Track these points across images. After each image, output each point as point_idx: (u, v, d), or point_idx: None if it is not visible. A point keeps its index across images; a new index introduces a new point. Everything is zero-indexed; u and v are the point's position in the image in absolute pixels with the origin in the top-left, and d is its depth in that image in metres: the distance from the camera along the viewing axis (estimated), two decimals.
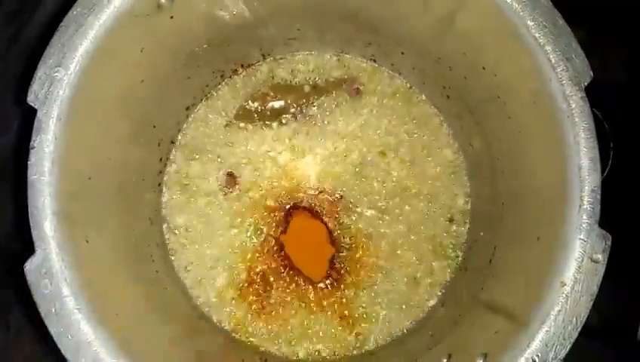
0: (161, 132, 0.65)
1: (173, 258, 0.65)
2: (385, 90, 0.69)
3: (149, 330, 0.53)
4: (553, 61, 0.47)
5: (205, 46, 0.61)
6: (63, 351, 0.44)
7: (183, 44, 0.59)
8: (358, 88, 0.69)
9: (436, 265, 0.65)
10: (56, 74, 0.47)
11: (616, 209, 0.49)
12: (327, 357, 0.64)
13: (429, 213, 0.66)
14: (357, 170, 0.67)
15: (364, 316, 0.64)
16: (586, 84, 0.47)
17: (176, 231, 0.66)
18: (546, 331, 0.45)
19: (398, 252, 0.66)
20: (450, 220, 0.67)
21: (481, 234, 0.65)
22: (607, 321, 0.54)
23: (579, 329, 0.44)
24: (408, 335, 0.64)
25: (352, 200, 0.67)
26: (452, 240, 0.66)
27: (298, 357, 0.64)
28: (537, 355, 0.44)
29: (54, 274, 0.45)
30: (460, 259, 0.66)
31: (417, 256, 0.66)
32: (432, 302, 0.65)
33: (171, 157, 0.67)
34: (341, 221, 0.66)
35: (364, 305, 0.65)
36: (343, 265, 0.65)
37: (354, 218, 0.66)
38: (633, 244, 0.50)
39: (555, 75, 0.47)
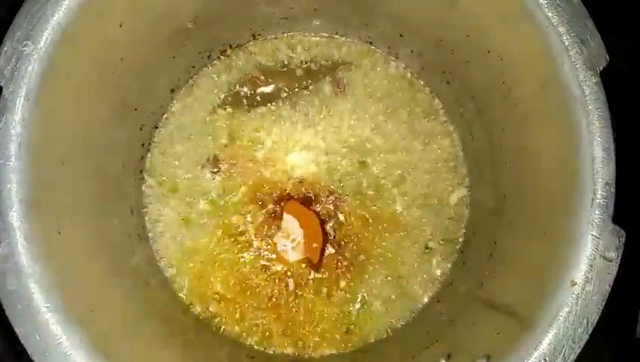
0: (144, 115, 0.62)
1: (155, 250, 0.62)
2: (381, 74, 0.67)
3: (129, 328, 0.50)
4: (567, 43, 0.44)
5: (191, 24, 0.58)
6: (30, 354, 0.41)
7: (166, 20, 0.56)
8: (341, 85, 0.65)
9: (431, 259, 0.64)
10: (24, 48, 0.44)
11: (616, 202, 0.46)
12: (319, 354, 0.62)
13: (425, 204, 0.64)
14: (350, 158, 0.65)
15: (357, 311, 0.62)
16: (601, 68, 0.44)
17: (159, 222, 0.63)
18: (555, 333, 0.42)
19: (393, 245, 0.64)
20: (447, 212, 0.64)
21: (480, 227, 0.62)
22: (606, 317, 0.52)
23: (589, 332, 0.42)
24: (403, 332, 0.62)
25: (345, 191, 0.64)
26: (448, 233, 0.64)
27: (287, 353, 0.62)
28: (545, 359, 0.42)
29: (21, 269, 0.42)
30: (456, 253, 0.64)
31: (412, 249, 0.64)
32: (426, 298, 0.63)
33: (154, 143, 0.64)
34: (333, 212, 0.64)
35: (356, 299, 0.63)
36: (335, 258, 0.63)
37: (346, 209, 0.64)
38: (632, 240, 0.48)
39: (569, 58, 0.44)
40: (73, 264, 0.46)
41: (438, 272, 0.63)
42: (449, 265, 0.63)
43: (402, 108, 0.65)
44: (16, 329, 0.41)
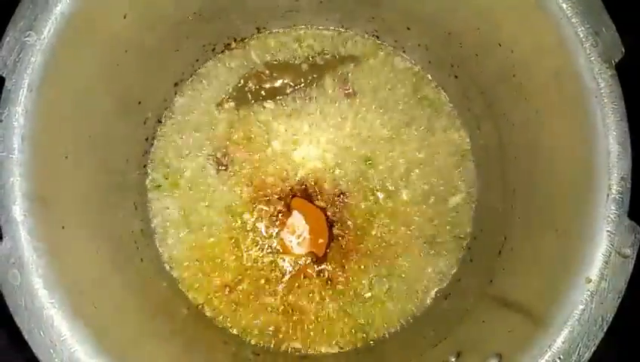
0: (147, 109, 0.61)
1: (159, 245, 0.62)
2: (387, 68, 0.66)
3: (133, 325, 0.49)
4: (581, 35, 0.43)
5: (194, 16, 0.57)
6: (34, 350, 0.40)
7: (170, 12, 0.55)
8: (348, 87, 0.64)
9: (438, 255, 0.63)
10: (27, 39, 0.42)
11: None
12: (324, 351, 0.61)
13: (431, 199, 0.64)
14: (356, 154, 0.64)
15: (363, 308, 0.62)
16: (616, 60, 0.43)
17: (163, 217, 0.62)
18: (569, 331, 0.41)
19: (399, 241, 0.63)
20: (454, 208, 0.64)
21: (488, 223, 0.62)
22: (621, 315, 0.51)
23: (605, 330, 0.41)
24: (410, 330, 0.62)
25: (350, 187, 0.63)
26: (455, 229, 0.63)
27: (292, 350, 0.61)
28: (559, 358, 0.41)
29: (24, 264, 0.41)
30: (463, 249, 0.63)
31: (418, 245, 0.63)
32: (433, 295, 0.62)
33: (158, 137, 0.63)
34: (339, 208, 0.63)
35: (363, 296, 0.62)
36: (340, 254, 0.62)
37: (352, 205, 0.63)
38: None
39: (583, 50, 0.43)
40: (77, 259, 0.46)
41: (445, 268, 0.62)
42: (456, 262, 0.63)
43: (408, 103, 0.65)
44: (20, 326, 0.40)
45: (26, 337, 0.40)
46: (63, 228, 0.45)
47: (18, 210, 0.41)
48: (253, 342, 0.61)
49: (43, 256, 0.41)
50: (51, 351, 0.41)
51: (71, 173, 0.47)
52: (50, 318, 0.41)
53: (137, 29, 0.52)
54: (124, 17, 0.49)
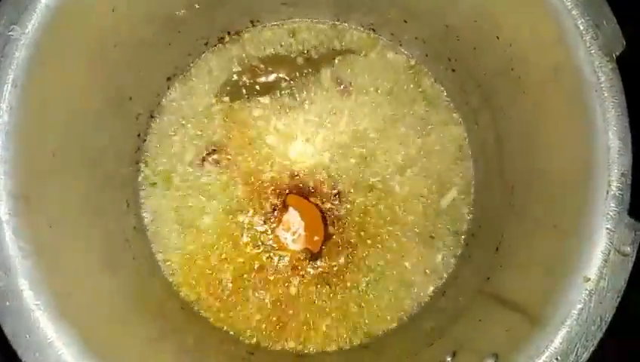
0: (139, 104, 0.60)
1: (152, 244, 0.61)
2: (383, 62, 0.65)
3: (124, 327, 0.49)
4: (582, 28, 0.43)
5: (186, 9, 0.56)
6: (19, 354, 0.40)
7: (160, 4, 0.54)
8: (345, 87, 0.63)
9: (435, 252, 0.62)
10: (11, 32, 0.42)
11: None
12: (319, 350, 0.61)
13: (428, 195, 0.63)
14: (352, 150, 0.63)
15: (359, 306, 0.61)
16: (617, 53, 0.42)
17: (156, 214, 0.61)
18: (567, 331, 0.41)
19: (395, 238, 0.62)
20: (451, 204, 0.63)
21: (486, 220, 0.61)
22: (620, 315, 0.50)
23: (604, 330, 0.40)
24: (406, 328, 0.61)
25: (346, 183, 0.63)
26: (452, 225, 0.63)
27: (287, 349, 0.60)
28: (557, 358, 0.40)
29: (9, 265, 0.40)
30: (461, 246, 0.62)
31: (415, 242, 0.62)
32: (430, 292, 0.62)
33: (150, 133, 0.62)
34: (335, 204, 0.62)
35: (358, 294, 0.61)
36: (336, 251, 0.62)
37: (348, 201, 0.62)
38: None
39: (584, 43, 0.42)
40: (65, 259, 0.45)
41: (442, 265, 0.62)
42: (453, 259, 0.62)
43: (405, 97, 0.64)
44: (4, 328, 0.40)
45: (10, 340, 0.40)
46: (50, 227, 0.44)
47: (2, 209, 0.41)
48: (248, 341, 0.60)
49: (29, 257, 0.41)
50: (37, 354, 0.40)
51: (58, 170, 0.47)
52: (37, 321, 0.40)
53: (127, 23, 0.51)
54: (113, 11, 0.49)
